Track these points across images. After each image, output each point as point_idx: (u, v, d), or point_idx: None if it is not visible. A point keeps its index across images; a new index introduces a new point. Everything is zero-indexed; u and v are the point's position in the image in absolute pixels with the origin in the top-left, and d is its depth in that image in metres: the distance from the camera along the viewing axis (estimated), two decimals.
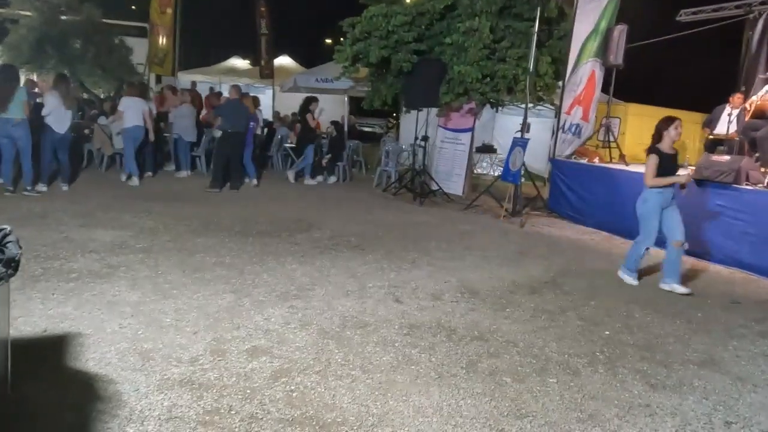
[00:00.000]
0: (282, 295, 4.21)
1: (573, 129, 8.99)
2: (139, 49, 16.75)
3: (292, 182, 10.64)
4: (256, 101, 11.25)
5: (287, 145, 11.82)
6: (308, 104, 10.54)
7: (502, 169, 14.55)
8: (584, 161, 8.66)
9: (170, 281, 4.31)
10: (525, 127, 8.52)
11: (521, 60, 8.67)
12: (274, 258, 5.22)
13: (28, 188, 7.34)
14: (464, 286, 4.83)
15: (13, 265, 1.66)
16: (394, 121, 20.58)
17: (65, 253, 4.79)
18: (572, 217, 8.54)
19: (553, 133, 13.10)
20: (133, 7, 25.21)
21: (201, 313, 3.71)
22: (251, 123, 10.03)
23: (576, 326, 4.08)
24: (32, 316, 3.43)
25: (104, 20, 15.28)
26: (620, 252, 6.76)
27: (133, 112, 8.94)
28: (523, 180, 8.61)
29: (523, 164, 8.28)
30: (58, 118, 7.67)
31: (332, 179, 11.26)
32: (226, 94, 10.77)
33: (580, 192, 8.44)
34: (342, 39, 9.61)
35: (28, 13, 14.05)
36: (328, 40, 33.25)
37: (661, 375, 3.36)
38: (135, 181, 8.89)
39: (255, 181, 9.98)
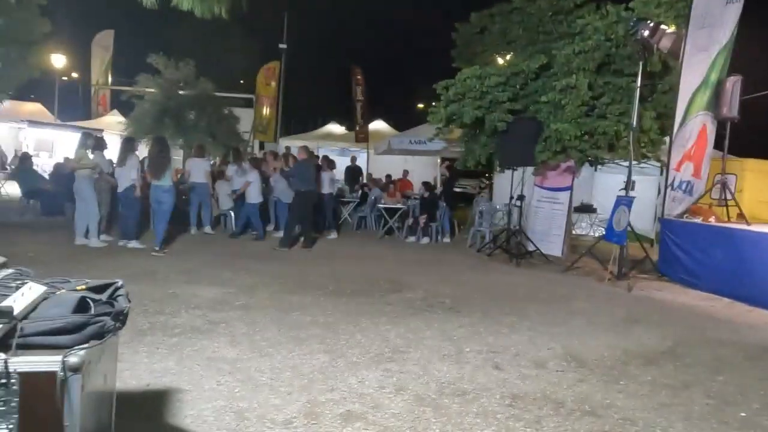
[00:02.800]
0: (376, 356, 4.08)
1: (683, 186, 8.39)
2: (245, 118, 17.97)
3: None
4: (331, 164, 11.74)
5: (380, 205, 11.97)
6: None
7: (602, 229, 13.89)
8: (698, 221, 8.00)
9: (267, 339, 4.33)
10: (629, 184, 8.06)
11: (623, 116, 8.31)
12: (368, 318, 5.14)
13: (156, 249, 7.87)
14: (570, 353, 4.47)
15: (121, 318, 1.68)
16: (488, 181, 20.40)
17: (170, 309, 4.98)
18: (686, 280, 7.84)
19: (659, 191, 12.41)
20: (242, 81, 27.41)
21: (295, 372, 3.66)
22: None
23: (704, 405, 3.59)
24: (138, 369, 3.53)
25: (216, 93, 16.64)
26: (746, 320, 6.06)
27: (197, 170, 10.01)
28: (627, 240, 8.07)
29: (629, 224, 7.79)
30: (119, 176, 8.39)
31: (425, 240, 11.19)
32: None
33: (695, 254, 7.76)
34: (436, 101, 9.74)
35: (152, 90, 15.60)
36: (420, 105, 34.19)
37: None
38: (194, 230, 10.11)
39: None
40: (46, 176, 13.05)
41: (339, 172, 16.84)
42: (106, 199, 8.75)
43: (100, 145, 8.72)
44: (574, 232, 12.27)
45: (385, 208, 11.82)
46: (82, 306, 1.62)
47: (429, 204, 11.49)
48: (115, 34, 22.89)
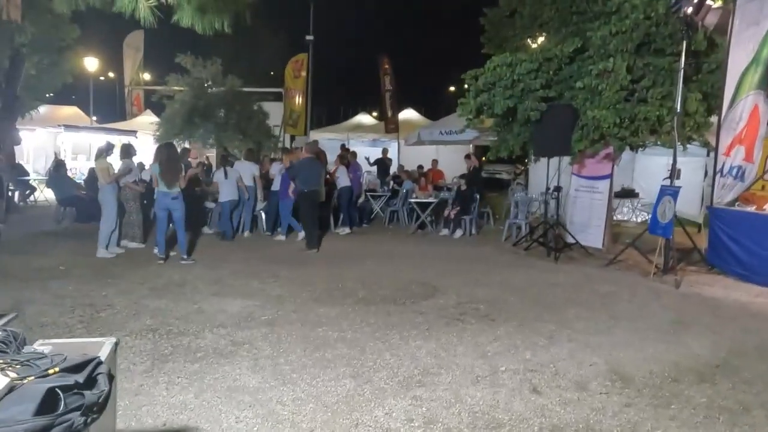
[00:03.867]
0: (405, 380, 3.85)
1: (734, 172, 7.83)
2: (274, 113, 17.84)
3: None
4: (344, 158, 11.74)
5: (412, 200, 11.68)
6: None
7: (644, 214, 13.30)
8: (752, 209, 7.47)
9: (291, 362, 4.15)
10: (674, 173, 7.56)
11: (665, 99, 7.80)
12: (398, 332, 4.91)
13: (184, 257, 7.77)
14: (614, 370, 4.15)
15: (95, 409, 1.49)
16: (522, 167, 19.83)
17: (195, 328, 4.86)
18: (739, 273, 7.35)
19: (706, 173, 11.74)
20: (272, 72, 27.35)
21: (319, 403, 3.47)
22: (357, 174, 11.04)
23: None
24: (155, 404, 3.39)
25: (244, 89, 16.55)
26: None
27: (245, 173, 10.03)
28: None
29: (674, 214, 7.32)
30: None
31: (458, 233, 10.89)
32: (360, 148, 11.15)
33: (749, 245, 7.25)
34: (465, 86, 9.31)
35: (181, 89, 15.60)
36: (452, 88, 33.59)
37: None
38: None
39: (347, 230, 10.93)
40: (83, 181, 13.24)
41: (365, 163, 16.58)
42: (135, 207, 8.75)
43: (128, 152, 8.70)
44: (615, 217, 11.76)
45: (417, 203, 11.54)
46: (50, 399, 1.44)
47: (465, 197, 11.13)
48: (145, 33, 23.05)
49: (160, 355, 4.19)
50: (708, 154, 10.12)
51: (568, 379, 3.95)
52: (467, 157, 11.87)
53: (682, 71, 7.42)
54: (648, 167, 13.95)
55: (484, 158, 18.97)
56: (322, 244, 9.34)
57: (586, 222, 9.59)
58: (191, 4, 4.13)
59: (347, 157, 11.81)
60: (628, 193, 13.42)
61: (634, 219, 13.49)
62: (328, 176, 11.47)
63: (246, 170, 10.12)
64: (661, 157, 12.67)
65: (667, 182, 7.69)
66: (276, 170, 10.41)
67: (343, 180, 11.05)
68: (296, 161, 9.56)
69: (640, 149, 9.58)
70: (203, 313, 5.31)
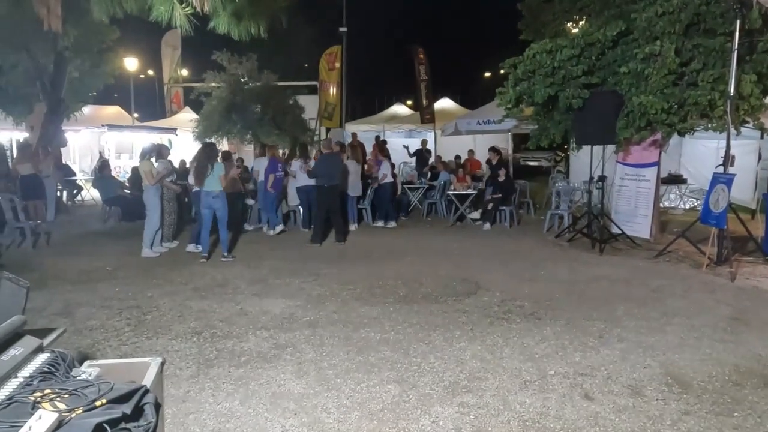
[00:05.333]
0: (451, 386, 3.77)
1: None
2: (309, 106, 17.83)
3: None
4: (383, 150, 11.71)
5: (450, 192, 11.50)
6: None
7: (693, 200, 12.80)
8: None
9: (334, 365, 4.11)
10: (728, 160, 7.20)
11: (717, 82, 7.41)
12: (441, 333, 4.82)
13: (225, 254, 7.87)
14: (670, 373, 3.96)
15: None
16: (562, 154, 19.38)
17: (238, 330, 4.88)
18: None
19: (759, 157, 11.21)
20: (306, 65, 27.36)
21: (364, 411, 3.42)
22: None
23: None
24: (202, 412, 3.40)
25: (279, 83, 16.57)
26: None
27: (263, 169, 10.13)
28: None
29: (729, 203, 6.98)
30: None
31: (487, 226, 10.62)
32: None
33: None
34: (502, 72, 9.05)
35: (218, 85, 15.74)
36: (487, 74, 33.04)
37: None
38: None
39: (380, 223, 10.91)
40: (127, 180, 13.56)
41: (399, 152, 16.46)
42: (170, 208, 8.86)
43: (161, 153, 8.82)
44: (661, 204, 11.32)
45: (456, 194, 11.36)
46: None
47: (505, 187, 10.89)
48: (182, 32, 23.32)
49: (205, 360, 4.22)
50: (762, 137, 9.63)
51: (621, 384, 3.79)
52: (492, 150, 11.64)
53: (735, 52, 7.03)
54: (696, 151, 13.41)
55: (523, 146, 18.60)
56: (361, 238, 9.31)
57: (632, 211, 9.27)
58: (227, 11, 4.09)
59: (387, 150, 11.75)
60: (675, 179, 12.94)
61: (682, 206, 13.00)
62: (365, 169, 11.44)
63: (262, 166, 10.22)
64: (709, 141, 12.14)
65: (720, 169, 7.34)
66: (296, 167, 10.37)
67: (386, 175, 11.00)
68: (317, 160, 9.70)
69: (689, 134, 9.17)
70: (246, 315, 5.34)
